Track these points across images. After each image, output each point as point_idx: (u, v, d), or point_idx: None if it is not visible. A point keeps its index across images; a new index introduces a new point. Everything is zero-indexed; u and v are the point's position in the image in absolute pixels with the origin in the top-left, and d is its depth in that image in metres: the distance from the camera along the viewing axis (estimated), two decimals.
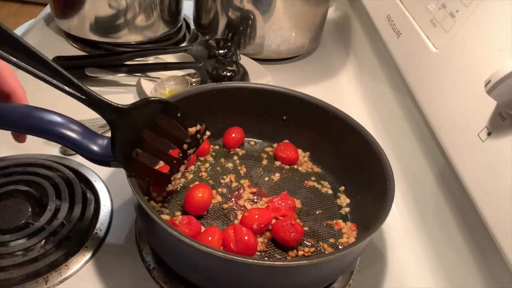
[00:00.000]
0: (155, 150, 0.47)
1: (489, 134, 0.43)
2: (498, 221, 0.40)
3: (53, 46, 0.83)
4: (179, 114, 0.47)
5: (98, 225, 0.53)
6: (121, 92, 0.76)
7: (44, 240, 0.49)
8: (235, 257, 0.39)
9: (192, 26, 0.95)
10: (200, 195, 0.51)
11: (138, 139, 0.45)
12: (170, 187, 0.50)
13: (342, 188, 0.58)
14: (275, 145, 0.63)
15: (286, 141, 0.63)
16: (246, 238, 0.46)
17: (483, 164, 0.43)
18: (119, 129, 0.43)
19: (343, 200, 0.57)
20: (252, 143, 0.64)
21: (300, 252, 0.49)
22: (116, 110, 0.43)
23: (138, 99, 0.74)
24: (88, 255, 0.49)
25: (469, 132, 0.45)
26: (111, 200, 0.56)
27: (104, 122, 0.65)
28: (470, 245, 0.49)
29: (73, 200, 0.53)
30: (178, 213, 0.51)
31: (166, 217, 0.50)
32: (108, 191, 0.57)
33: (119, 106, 0.43)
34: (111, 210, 0.55)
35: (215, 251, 0.39)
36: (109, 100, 0.42)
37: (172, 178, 0.50)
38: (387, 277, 0.53)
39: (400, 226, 0.59)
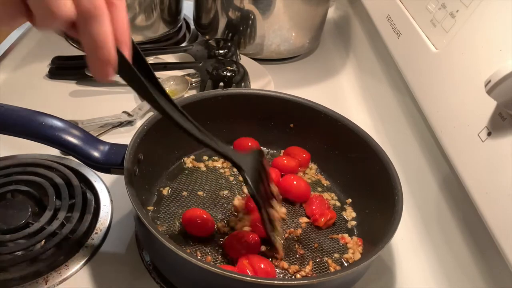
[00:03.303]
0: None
1: (489, 134, 0.43)
2: (498, 221, 0.40)
3: (53, 46, 0.83)
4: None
5: (98, 225, 0.53)
6: (121, 92, 0.76)
7: (44, 240, 0.49)
8: (233, 274, 0.38)
9: (192, 26, 0.95)
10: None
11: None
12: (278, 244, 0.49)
13: (349, 200, 0.57)
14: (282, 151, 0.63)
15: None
16: (263, 266, 0.45)
17: (483, 164, 0.43)
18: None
19: (350, 213, 0.56)
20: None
21: (308, 268, 0.48)
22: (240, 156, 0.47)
23: (138, 99, 0.74)
24: (88, 255, 0.49)
25: (469, 132, 0.45)
26: (111, 200, 0.56)
27: (104, 122, 0.66)
28: (472, 249, 0.49)
29: (73, 200, 0.53)
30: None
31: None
32: (108, 191, 0.57)
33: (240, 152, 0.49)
34: (111, 210, 0.55)
35: (210, 266, 0.38)
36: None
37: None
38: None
39: (403, 233, 0.58)
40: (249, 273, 0.44)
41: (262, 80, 0.79)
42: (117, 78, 0.83)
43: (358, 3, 0.91)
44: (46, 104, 0.70)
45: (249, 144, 0.61)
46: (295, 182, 0.57)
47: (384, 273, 0.53)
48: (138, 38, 0.84)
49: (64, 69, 0.77)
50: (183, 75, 0.78)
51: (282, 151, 0.63)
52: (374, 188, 0.53)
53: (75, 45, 0.85)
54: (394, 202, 0.47)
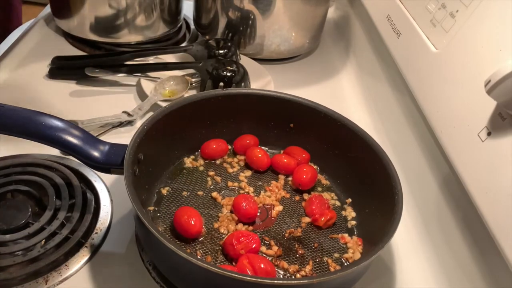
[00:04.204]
0: None
1: (489, 134, 0.43)
2: (498, 221, 0.40)
3: (53, 46, 0.83)
4: None
5: (98, 225, 0.53)
6: (121, 92, 0.76)
7: (44, 240, 0.49)
8: (233, 274, 0.38)
9: (192, 26, 0.95)
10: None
11: None
12: None
13: (349, 200, 0.57)
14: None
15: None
16: (263, 266, 0.45)
17: (483, 164, 0.43)
18: None
19: (350, 213, 0.56)
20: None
21: (308, 268, 0.48)
22: None
23: (138, 99, 0.74)
24: (88, 255, 0.49)
25: (469, 132, 0.45)
26: (111, 200, 0.56)
27: (104, 122, 0.66)
28: (472, 249, 0.49)
29: (73, 200, 0.53)
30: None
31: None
32: (108, 191, 0.57)
33: None
34: (111, 210, 0.55)
35: (210, 266, 0.38)
36: None
37: None
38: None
39: (403, 233, 0.58)
40: (249, 273, 0.44)
41: (262, 80, 0.79)
42: (117, 78, 0.83)
43: (358, 3, 0.91)
44: (46, 104, 0.70)
45: (248, 141, 0.61)
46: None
47: (384, 273, 0.53)
48: (138, 38, 0.84)
49: (64, 69, 0.77)
50: (183, 75, 0.78)
51: (282, 151, 0.63)
52: (374, 188, 0.53)
53: (75, 45, 0.85)
54: (394, 202, 0.47)
